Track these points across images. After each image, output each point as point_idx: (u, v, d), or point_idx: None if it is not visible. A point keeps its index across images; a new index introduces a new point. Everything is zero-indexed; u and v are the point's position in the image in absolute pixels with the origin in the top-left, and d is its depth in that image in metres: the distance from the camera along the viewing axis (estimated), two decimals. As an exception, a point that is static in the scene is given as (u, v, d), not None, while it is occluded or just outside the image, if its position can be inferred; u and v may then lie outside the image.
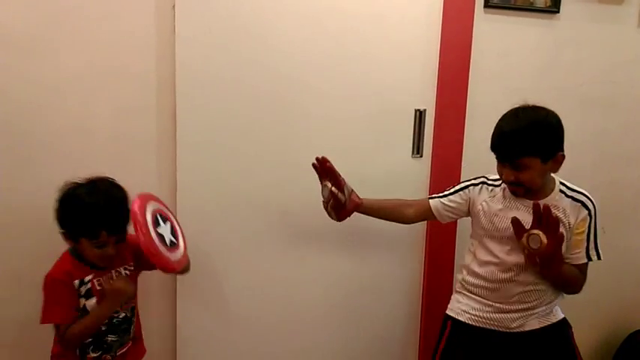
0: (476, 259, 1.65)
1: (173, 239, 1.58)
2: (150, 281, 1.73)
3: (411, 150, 2.00)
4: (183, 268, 1.60)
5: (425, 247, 2.07)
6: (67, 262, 1.48)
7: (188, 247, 1.66)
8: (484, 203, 1.62)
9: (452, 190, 1.73)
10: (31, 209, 1.48)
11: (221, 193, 1.86)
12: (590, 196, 1.55)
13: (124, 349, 1.60)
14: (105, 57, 1.71)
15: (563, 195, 1.54)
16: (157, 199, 1.64)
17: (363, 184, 1.95)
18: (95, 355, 1.53)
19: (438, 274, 1.91)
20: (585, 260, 1.54)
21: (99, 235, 1.42)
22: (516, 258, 1.54)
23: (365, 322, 2.08)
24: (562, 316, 1.65)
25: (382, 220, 1.81)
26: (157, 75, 1.77)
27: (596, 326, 2.38)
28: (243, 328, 1.96)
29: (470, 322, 1.63)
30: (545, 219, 1.38)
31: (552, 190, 1.55)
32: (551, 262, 1.46)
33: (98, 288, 1.49)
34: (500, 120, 1.53)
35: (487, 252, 1.61)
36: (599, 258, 1.54)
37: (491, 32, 2.01)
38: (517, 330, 1.59)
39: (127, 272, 1.58)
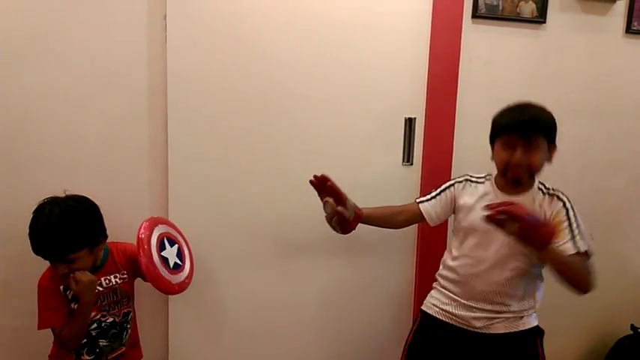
0: (450, 253, 1.70)
1: (179, 261, 1.65)
2: (142, 289, 1.73)
3: (401, 158, 2.02)
4: (185, 288, 1.65)
5: (416, 250, 2.09)
6: (52, 269, 1.52)
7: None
8: (466, 198, 1.67)
9: (438, 191, 1.76)
10: (20, 217, 1.48)
11: (212, 201, 1.87)
12: (564, 193, 1.60)
13: (116, 354, 1.63)
14: (97, 66, 1.73)
15: (540, 192, 1.60)
16: (167, 223, 1.71)
17: (353, 192, 1.96)
18: (89, 357, 1.57)
19: (430, 277, 1.92)
20: (574, 250, 1.49)
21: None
22: (485, 253, 1.58)
23: (357, 327, 2.09)
24: (534, 324, 1.64)
25: (373, 229, 1.82)
26: (148, 84, 1.78)
27: (584, 332, 2.40)
28: (235, 336, 1.96)
29: (437, 316, 1.67)
30: (503, 214, 1.35)
31: (532, 187, 1.60)
32: (535, 239, 1.37)
33: (69, 294, 1.52)
34: (506, 110, 1.59)
35: (460, 246, 1.66)
36: (588, 250, 1.52)
37: (479, 42, 2.04)
38: (482, 331, 1.60)
39: (119, 280, 1.61)
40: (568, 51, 2.14)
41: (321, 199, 1.66)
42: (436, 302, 1.70)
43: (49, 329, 1.53)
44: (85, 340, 1.55)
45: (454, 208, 1.72)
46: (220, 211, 1.88)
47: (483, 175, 1.70)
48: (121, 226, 1.66)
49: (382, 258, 2.06)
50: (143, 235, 1.55)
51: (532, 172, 1.55)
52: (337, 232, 1.69)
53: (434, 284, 1.76)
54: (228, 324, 1.95)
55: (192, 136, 1.81)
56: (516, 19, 2.07)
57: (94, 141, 1.75)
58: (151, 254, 1.54)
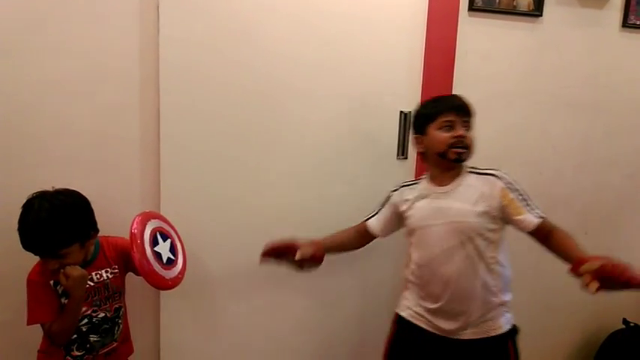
0: (410, 257, 1.67)
1: (172, 256, 1.63)
2: (133, 284, 1.71)
3: (396, 152, 2.01)
4: (178, 283, 1.63)
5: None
6: (42, 264, 1.50)
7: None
8: (406, 201, 1.67)
9: (380, 207, 1.78)
10: (11, 211, 1.45)
11: (205, 194, 1.85)
12: (497, 169, 1.60)
13: (107, 349, 1.61)
14: (88, 58, 1.69)
15: (472, 175, 1.61)
16: (159, 217, 1.69)
17: (348, 186, 1.96)
18: (79, 353, 1.55)
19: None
20: (538, 220, 1.52)
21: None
22: (431, 250, 1.57)
23: (351, 326, 2.09)
24: (506, 328, 1.57)
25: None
26: (140, 75, 1.75)
27: (577, 326, 2.41)
28: (227, 331, 1.95)
29: (411, 320, 1.65)
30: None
31: (462, 172, 1.61)
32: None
33: (60, 289, 1.50)
34: (432, 100, 1.67)
35: (412, 248, 1.65)
36: (543, 215, 1.54)
37: (476, 35, 2.03)
38: (452, 337, 1.57)
39: (110, 275, 1.59)
40: (564, 45, 2.13)
41: (284, 262, 1.70)
42: (409, 304, 1.68)
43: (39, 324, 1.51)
44: (76, 336, 1.52)
45: (399, 216, 1.71)
46: (213, 205, 1.86)
47: (418, 178, 1.73)
48: (113, 220, 1.64)
49: (378, 258, 2.05)
50: (136, 230, 1.52)
51: (471, 151, 1.58)
52: (311, 271, 1.71)
53: (405, 281, 1.73)
54: (220, 319, 1.94)
55: (185, 129, 1.79)
56: (513, 12, 2.06)
57: (86, 134, 1.72)
58: (144, 249, 1.52)
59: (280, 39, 1.84)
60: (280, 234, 1.92)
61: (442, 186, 1.60)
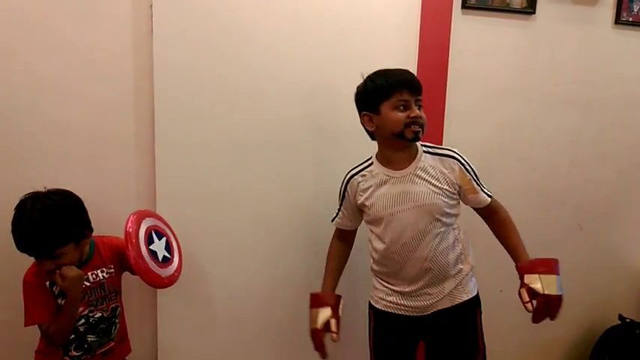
0: (372, 246, 1.67)
1: (167, 254, 1.63)
2: (130, 283, 1.71)
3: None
4: (174, 281, 1.63)
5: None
6: (38, 265, 1.49)
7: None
8: (363, 192, 1.64)
9: (339, 206, 1.75)
10: (5, 211, 1.45)
11: (200, 192, 1.84)
12: (453, 149, 1.61)
13: (104, 349, 1.61)
14: (82, 56, 1.69)
15: (428, 154, 1.60)
16: (154, 215, 1.69)
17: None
18: (76, 353, 1.55)
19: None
20: (488, 199, 1.62)
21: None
22: (401, 235, 1.56)
23: (349, 320, 2.08)
24: (474, 293, 1.66)
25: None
26: (134, 74, 1.75)
27: (573, 322, 2.42)
28: (225, 329, 1.95)
29: (387, 310, 1.66)
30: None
31: (417, 152, 1.60)
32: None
33: (56, 290, 1.51)
34: (381, 73, 1.60)
35: (377, 237, 1.63)
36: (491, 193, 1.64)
37: (469, 33, 2.03)
38: (431, 311, 1.61)
39: (106, 275, 1.59)
40: (558, 42, 2.14)
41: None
42: (381, 295, 1.68)
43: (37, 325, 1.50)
44: (73, 336, 1.52)
45: (359, 208, 1.68)
46: (209, 203, 1.86)
47: (364, 161, 1.68)
48: (108, 220, 1.64)
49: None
50: (131, 229, 1.52)
51: (424, 128, 1.56)
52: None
53: (372, 276, 1.74)
54: (217, 317, 1.94)
55: (179, 127, 1.79)
56: (506, 9, 2.07)
57: (80, 133, 1.72)
58: (140, 248, 1.51)
59: (274, 37, 1.84)
60: (277, 231, 1.94)
61: (400, 170, 1.58)
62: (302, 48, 1.87)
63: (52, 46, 1.66)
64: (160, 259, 1.59)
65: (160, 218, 1.71)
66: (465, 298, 1.62)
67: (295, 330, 2.02)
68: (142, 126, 1.78)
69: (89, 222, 1.53)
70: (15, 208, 1.43)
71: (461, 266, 1.62)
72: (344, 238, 1.80)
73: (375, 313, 1.71)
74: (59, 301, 1.50)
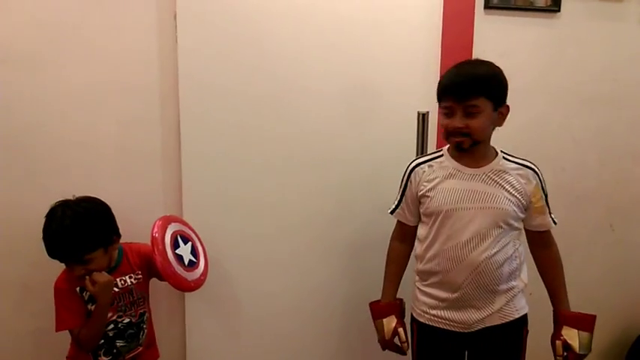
0: (422, 243, 1.60)
1: (193, 259, 1.66)
2: (158, 289, 1.74)
3: (415, 152, 2.00)
4: (201, 285, 1.66)
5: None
6: (68, 271, 1.53)
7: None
8: (428, 182, 1.56)
9: (399, 197, 1.67)
10: (39, 220, 1.49)
11: (227, 202, 1.86)
12: (533, 162, 1.56)
13: (133, 354, 1.64)
14: (108, 69, 1.73)
15: (506, 161, 1.54)
16: (179, 221, 1.72)
17: (368, 189, 1.97)
18: (106, 358, 1.59)
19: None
20: (552, 226, 1.57)
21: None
22: (458, 235, 1.49)
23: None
24: (525, 310, 1.59)
25: (389, 225, 1.80)
26: (160, 86, 1.78)
27: (607, 325, 2.35)
28: (252, 334, 1.97)
29: (431, 324, 1.59)
30: None
31: (496, 155, 1.54)
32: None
33: (86, 296, 1.54)
34: (450, 69, 1.51)
35: (431, 234, 1.55)
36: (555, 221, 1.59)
37: (492, 33, 2.01)
38: (478, 327, 1.54)
39: (134, 281, 1.62)
40: (584, 40, 2.11)
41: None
42: (424, 308, 1.60)
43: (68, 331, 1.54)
44: (103, 341, 1.56)
45: (419, 198, 1.60)
46: (234, 210, 1.88)
47: (433, 152, 1.62)
48: (137, 228, 1.68)
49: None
50: (157, 234, 1.56)
51: (474, 138, 1.45)
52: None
53: (415, 282, 1.66)
54: (245, 322, 1.95)
55: (205, 136, 1.81)
56: (530, 8, 2.04)
57: (108, 143, 1.76)
58: (166, 252, 1.55)
59: (297, 46, 1.85)
60: (303, 237, 1.94)
61: (473, 167, 1.51)
62: (325, 55, 1.88)
63: (80, 59, 1.70)
64: (186, 263, 1.62)
65: (185, 223, 1.73)
66: (516, 315, 1.55)
67: (323, 333, 2.04)
68: (168, 136, 1.80)
69: (117, 228, 1.57)
70: (46, 216, 1.48)
71: (514, 282, 1.54)
72: (404, 239, 1.69)
73: (418, 327, 1.64)
74: (89, 306, 1.54)
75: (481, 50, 1.98)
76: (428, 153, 1.62)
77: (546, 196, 1.55)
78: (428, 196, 1.55)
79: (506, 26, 2.03)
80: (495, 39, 2.02)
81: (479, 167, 1.51)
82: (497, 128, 1.53)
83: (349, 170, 1.96)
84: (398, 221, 1.71)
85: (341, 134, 1.94)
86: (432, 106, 1.97)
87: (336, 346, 2.07)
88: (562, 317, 1.55)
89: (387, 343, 1.65)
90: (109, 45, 1.72)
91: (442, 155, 1.58)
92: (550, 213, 1.56)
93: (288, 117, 1.88)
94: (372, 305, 1.71)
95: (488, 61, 1.50)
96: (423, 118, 1.97)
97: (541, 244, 1.60)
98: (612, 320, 2.36)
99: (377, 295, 1.92)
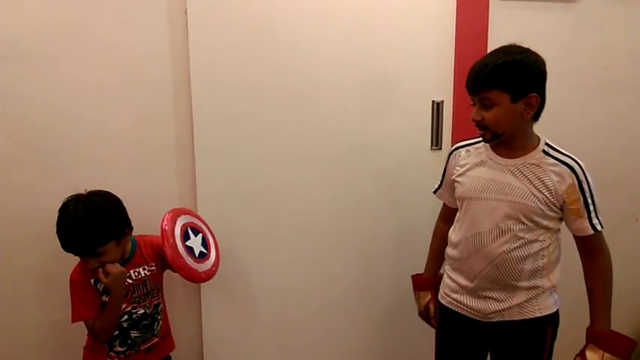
0: (454, 228, 1.60)
1: (204, 250, 1.68)
2: (174, 281, 1.77)
3: (430, 142, 1.98)
4: (212, 276, 1.68)
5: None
6: (83, 264, 1.57)
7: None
8: (460, 167, 1.57)
9: (441, 177, 1.68)
10: (55, 215, 1.53)
11: (241, 195, 1.88)
12: (577, 160, 1.44)
13: (148, 345, 1.66)
14: (121, 65, 1.75)
15: (545, 154, 1.45)
16: (190, 213, 1.74)
17: (382, 178, 1.96)
18: (121, 349, 1.61)
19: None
20: (591, 232, 1.43)
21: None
22: (480, 223, 1.47)
23: (390, 314, 2.08)
24: (552, 310, 1.52)
25: (403, 217, 1.80)
26: (172, 80, 1.79)
27: (627, 317, 2.30)
28: (268, 325, 1.98)
29: (450, 307, 1.61)
30: None
31: (534, 148, 1.46)
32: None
33: (100, 287, 1.57)
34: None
35: (459, 218, 1.56)
36: (601, 227, 1.44)
37: (508, 19, 1.97)
38: (495, 319, 1.51)
39: (148, 272, 1.64)
40: (604, 24, 2.05)
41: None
42: (447, 290, 1.62)
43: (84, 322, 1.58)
44: (117, 332, 1.59)
45: (452, 181, 1.60)
46: (248, 203, 1.89)
47: (477, 136, 1.55)
48: (152, 221, 1.69)
49: (411, 246, 2.02)
50: (167, 227, 1.58)
51: (493, 130, 1.42)
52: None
53: (446, 265, 1.66)
54: (260, 313, 1.97)
55: (218, 129, 1.82)
56: (547, -7, 1.99)
57: (122, 138, 1.78)
58: (175, 244, 1.57)
59: (308, 36, 1.84)
60: (316, 229, 1.94)
61: (506, 158, 1.47)
62: (338, 46, 1.87)
63: (94, 55, 1.73)
64: (197, 254, 1.64)
65: (196, 215, 1.75)
66: (539, 314, 1.50)
67: (338, 323, 2.04)
68: (181, 129, 1.82)
69: (129, 220, 1.59)
70: (58, 211, 1.51)
71: (538, 281, 1.48)
72: (446, 219, 1.70)
73: (440, 308, 1.67)
74: (104, 298, 1.56)
75: (496, 37, 1.94)
76: (473, 137, 1.58)
77: (590, 198, 1.42)
78: (458, 182, 1.56)
79: (523, 12, 1.99)
80: (511, 25, 1.98)
81: (512, 158, 1.46)
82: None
83: (363, 162, 1.95)
84: (444, 204, 1.75)
85: (355, 124, 1.93)
86: (446, 95, 1.95)
87: (349, 339, 2.08)
88: (591, 335, 1.47)
89: (420, 314, 1.77)
90: (121, 41, 1.74)
91: (482, 141, 1.54)
92: (592, 218, 1.43)
93: (301, 109, 1.88)
94: (413, 277, 1.80)
95: (517, 50, 1.44)
96: (437, 106, 1.95)
97: (585, 252, 1.50)
98: (636, 312, 2.30)
99: (391, 288, 1.92)
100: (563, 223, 1.48)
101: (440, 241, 1.71)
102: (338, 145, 1.93)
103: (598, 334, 1.46)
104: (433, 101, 1.95)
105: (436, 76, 1.94)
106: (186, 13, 1.75)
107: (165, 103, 1.80)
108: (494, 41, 1.94)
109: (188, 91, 1.79)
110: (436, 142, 1.97)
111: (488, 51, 1.90)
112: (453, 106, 1.96)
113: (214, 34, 1.77)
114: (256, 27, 1.80)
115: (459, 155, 1.59)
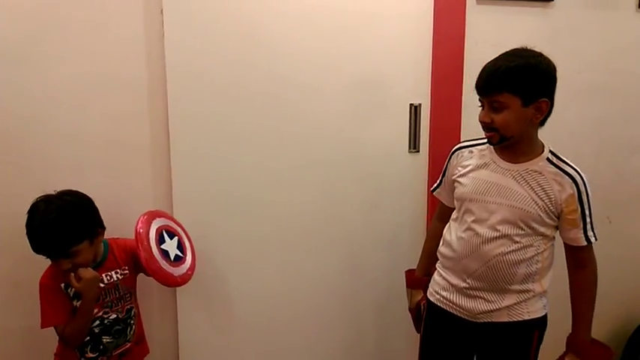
0: (449, 227, 1.61)
1: (179, 253, 1.65)
2: (150, 285, 1.73)
3: (407, 145, 1.98)
4: (188, 280, 1.66)
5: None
6: (53, 267, 1.53)
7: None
8: (462, 168, 1.57)
9: (440, 176, 1.68)
10: (26, 216, 1.49)
11: (217, 197, 1.85)
12: (580, 171, 1.45)
13: (121, 350, 1.63)
14: (95, 64, 1.72)
15: (549, 162, 1.45)
16: (165, 215, 1.71)
17: (360, 181, 1.95)
18: (92, 355, 1.58)
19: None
20: (585, 243, 1.45)
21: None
22: (478, 224, 1.47)
23: (367, 316, 2.07)
24: (541, 314, 1.53)
25: (382, 220, 1.79)
26: (148, 80, 1.76)
27: (605, 318, 2.31)
28: (245, 329, 1.96)
29: (439, 305, 1.60)
30: None
31: (538, 155, 1.46)
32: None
33: (71, 292, 1.53)
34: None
35: (456, 217, 1.57)
36: (595, 239, 1.46)
37: (485, 23, 1.98)
38: (484, 320, 1.52)
39: (120, 276, 1.61)
40: (578, 29, 2.08)
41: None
42: (437, 288, 1.61)
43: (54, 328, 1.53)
44: (88, 338, 1.55)
45: (453, 181, 1.60)
46: (225, 206, 1.87)
47: (480, 138, 1.55)
48: (127, 223, 1.66)
49: (393, 251, 2.04)
50: (141, 230, 1.55)
51: (502, 133, 1.41)
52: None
53: (437, 262, 1.66)
54: (237, 317, 1.95)
55: (194, 131, 1.80)
56: (523, -3, 2.01)
57: (96, 140, 1.75)
58: (150, 248, 1.54)
59: (286, 38, 1.83)
60: (293, 232, 1.93)
61: (510, 162, 1.47)
62: (314, 48, 1.86)
63: (66, 55, 1.69)
64: (172, 258, 1.62)
65: (171, 218, 1.73)
66: (527, 317, 1.50)
67: (315, 326, 2.03)
68: (156, 131, 1.79)
69: (101, 220, 1.57)
70: (28, 212, 1.47)
71: (530, 286, 1.49)
72: (442, 218, 1.69)
73: (428, 305, 1.66)
74: (75, 303, 1.53)
75: (474, 41, 1.96)
76: (476, 138, 1.58)
77: (587, 210, 1.45)
78: (459, 182, 1.56)
79: (499, 16, 2.00)
80: (488, 29, 1.99)
81: (516, 163, 1.46)
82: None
83: (341, 165, 1.94)
84: (439, 202, 1.74)
85: (333, 127, 1.92)
86: (423, 98, 1.96)
87: (327, 342, 2.07)
88: (571, 343, 1.50)
89: (410, 311, 1.79)
90: (96, 39, 1.71)
91: (486, 143, 1.53)
92: (587, 230, 1.45)
93: (279, 112, 1.87)
94: (407, 273, 1.83)
95: (530, 54, 1.43)
96: (415, 109, 1.95)
97: (573, 262, 1.51)
98: (610, 313, 2.33)
99: (370, 291, 1.92)
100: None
101: (437, 241, 1.67)
102: (316, 148, 1.92)
103: (579, 343, 1.49)
104: (411, 104, 1.95)
105: (414, 79, 1.95)
106: (162, 13, 1.72)
107: (140, 103, 1.77)
108: (472, 45, 1.96)
109: (164, 92, 1.76)
110: (414, 144, 1.97)
111: (466, 54, 1.95)
112: (431, 110, 1.96)
113: (191, 33, 1.75)
114: (234, 28, 1.79)
115: (462, 155, 1.59)
